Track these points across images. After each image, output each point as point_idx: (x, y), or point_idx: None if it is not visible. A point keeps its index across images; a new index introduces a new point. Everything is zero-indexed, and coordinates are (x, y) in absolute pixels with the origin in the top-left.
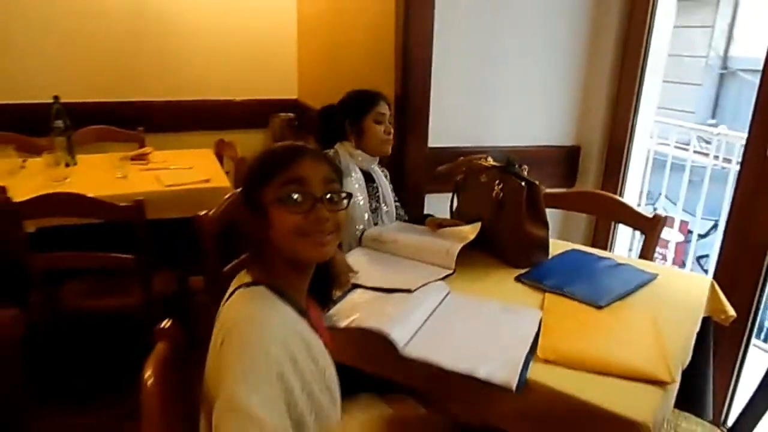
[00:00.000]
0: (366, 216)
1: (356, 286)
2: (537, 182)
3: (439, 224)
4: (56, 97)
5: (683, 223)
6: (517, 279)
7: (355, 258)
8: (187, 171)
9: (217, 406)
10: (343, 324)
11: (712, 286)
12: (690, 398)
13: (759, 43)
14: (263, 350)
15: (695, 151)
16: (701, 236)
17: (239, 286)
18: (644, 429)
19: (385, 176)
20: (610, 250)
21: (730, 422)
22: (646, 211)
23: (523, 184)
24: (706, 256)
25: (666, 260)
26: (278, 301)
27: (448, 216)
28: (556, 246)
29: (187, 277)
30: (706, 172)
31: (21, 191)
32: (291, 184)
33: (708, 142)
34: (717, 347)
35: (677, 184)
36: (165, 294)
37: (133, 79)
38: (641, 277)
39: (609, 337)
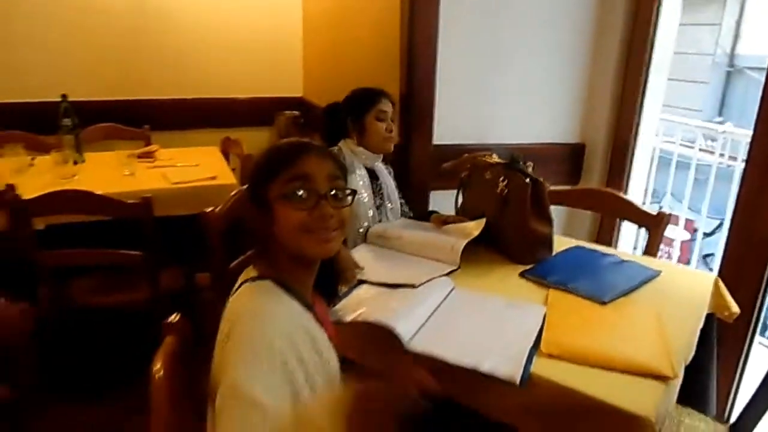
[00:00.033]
0: (370, 213)
1: (362, 281)
2: (541, 179)
3: (444, 221)
4: (64, 96)
5: (688, 221)
6: (522, 275)
7: (361, 254)
8: (194, 168)
9: (220, 393)
10: (348, 318)
11: (716, 282)
12: (693, 394)
13: (766, 41)
14: (268, 341)
15: (701, 149)
16: (707, 234)
17: (245, 281)
18: (646, 423)
19: (389, 173)
20: (614, 248)
21: (733, 419)
22: (651, 209)
23: (527, 180)
24: (712, 254)
25: (671, 258)
26: (284, 294)
27: (452, 213)
28: (561, 243)
29: (193, 273)
30: (711, 170)
31: (30, 189)
32: (296, 181)
33: (714, 140)
34: (721, 344)
35: (683, 183)
36: (172, 290)
37: (140, 78)
38: (645, 273)
39: (612, 332)
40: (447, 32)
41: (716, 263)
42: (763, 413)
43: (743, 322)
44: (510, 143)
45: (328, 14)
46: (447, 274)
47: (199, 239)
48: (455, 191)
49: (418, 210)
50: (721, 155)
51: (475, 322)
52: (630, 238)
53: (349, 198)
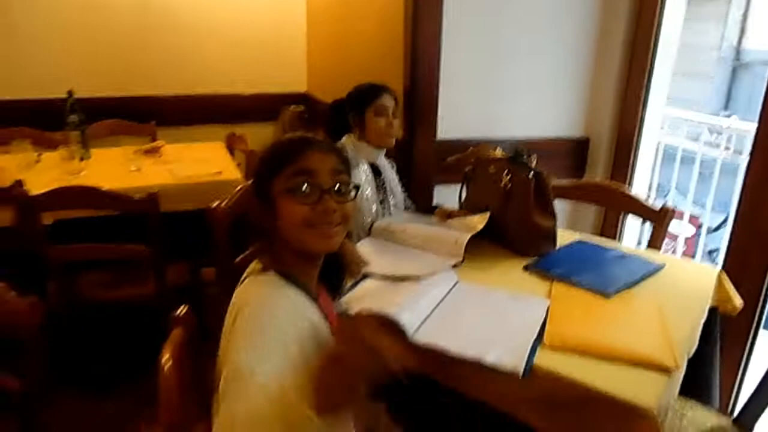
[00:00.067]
0: (374, 208)
1: (366, 275)
2: (545, 173)
3: (448, 215)
4: (70, 92)
5: (693, 216)
6: (525, 268)
7: (365, 248)
8: (199, 164)
9: (224, 376)
10: (353, 310)
11: (720, 276)
12: (697, 387)
13: None
14: (272, 327)
15: (706, 143)
16: (712, 230)
17: (250, 274)
18: (648, 414)
19: (392, 168)
20: (618, 242)
21: (736, 412)
22: (655, 203)
23: (531, 174)
24: (717, 249)
25: (676, 254)
26: (288, 286)
27: (456, 207)
28: (564, 236)
29: (199, 268)
30: (716, 164)
31: (37, 184)
32: (299, 176)
33: (719, 134)
34: (725, 337)
35: (688, 177)
36: (178, 285)
37: (145, 74)
38: (648, 266)
39: (615, 324)
40: (451, 27)
41: (721, 258)
42: (766, 406)
43: (747, 315)
44: (514, 137)
45: (332, 9)
46: (451, 268)
47: (205, 234)
48: (459, 185)
49: (422, 204)
50: (726, 149)
51: (478, 314)
52: (634, 232)
53: (353, 193)
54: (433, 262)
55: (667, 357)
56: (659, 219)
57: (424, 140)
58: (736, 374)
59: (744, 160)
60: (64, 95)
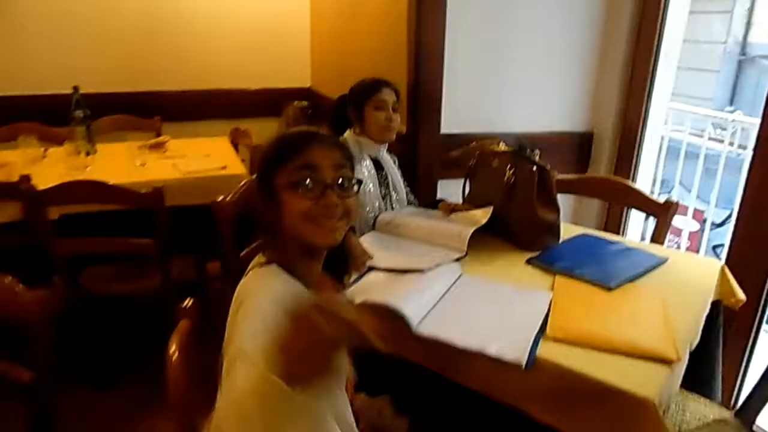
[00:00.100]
0: (376, 203)
1: (371, 268)
2: (548, 167)
3: (451, 209)
4: (76, 88)
5: (698, 211)
6: (528, 262)
7: (369, 242)
8: (204, 159)
9: (227, 358)
10: (357, 301)
11: (722, 270)
12: (699, 380)
13: None
14: (274, 312)
15: (710, 138)
16: (717, 225)
17: (254, 267)
18: (650, 405)
19: (394, 162)
20: (622, 236)
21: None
22: (658, 198)
23: (534, 168)
24: (722, 245)
25: (680, 249)
26: (290, 279)
27: (460, 201)
28: (568, 230)
29: (204, 262)
30: (721, 159)
31: (43, 179)
32: (302, 170)
33: (723, 129)
34: (728, 332)
35: (693, 173)
36: (183, 279)
37: (150, 70)
38: (651, 260)
39: (617, 317)
40: (455, 21)
41: (725, 254)
42: None
43: (750, 310)
44: (518, 132)
45: (336, 4)
46: (454, 261)
47: (210, 228)
48: (462, 180)
49: (425, 198)
50: (731, 144)
51: (482, 307)
52: (638, 227)
53: (355, 187)
54: (436, 256)
55: (668, 349)
56: (663, 213)
57: (428, 135)
58: (739, 369)
59: (748, 156)
60: (69, 91)
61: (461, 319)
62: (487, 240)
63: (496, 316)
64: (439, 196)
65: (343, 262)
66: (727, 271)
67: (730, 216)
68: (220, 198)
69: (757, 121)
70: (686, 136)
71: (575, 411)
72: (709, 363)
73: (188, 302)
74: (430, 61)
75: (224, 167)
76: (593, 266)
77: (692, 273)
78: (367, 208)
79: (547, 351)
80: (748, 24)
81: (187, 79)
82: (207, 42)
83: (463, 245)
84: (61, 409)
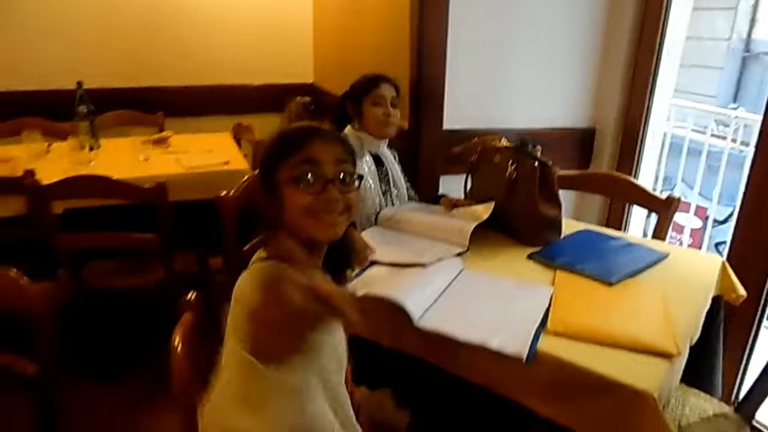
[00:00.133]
0: (377, 200)
1: (373, 262)
2: (550, 162)
3: (453, 204)
4: (79, 83)
5: (700, 208)
6: (530, 257)
7: (371, 236)
8: (207, 154)
9: (228, 348)
10: (360, 294)
11: (723, 265)
12: (700, 376)
13: None
14: None
15: (713, 135)
16: (720, 222)
17: (255, 261)
18: (649, 398)
19: (395, 157)
20: (623, 233)
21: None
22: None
23: (536, 164)
24: (725, 242)
25: (682, 246)
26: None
27: (462, 196)
28: (570, 226)
29: (207, 257)
30: (723, 156)
31: (47, 174)
32: (304, 165)
33: (726, 126)
34: (729, 327)
35: (695, 170)
36: (186, 273)
37: (153, 66)
38: (652, 255)
39: (618, 311)
40: (457, 17)
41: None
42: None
43: (751, 306)
44: (520, 128)
45: (338, 0)
46: (456, 256)
47: (213, 223)
48: (465, 175)
49: (428, 194)
50: (733, 141)
51: (483, 301)
52: (640, 224)
53: (356, 183)
54: (438, 251)
55: (668, 343)
56: (664, 209)
57: (431, 130)
58: (739, 365)
59: (751, 152)
60: (73, 86)
61: (463, 313)
62: (489, 235)
63: (497, 311)
64: (441, 191)
65: (346, 257)
66: (727, 266)
67: (732, 213)
68: (223, 193)
69: (760, 117)
70: (689, 133)
71: (575, 404)
72: (710, 358)
73: (192, 295)
74: (433, 57)
75: (227, 162)
76: (594, 261)
77: (693, 268)
78: (368, 204)
79: (548, 345)
80: (753, 21)
81: (190, 75)
82: (210, 37)
83: (464, 240)
84: (65, 402)
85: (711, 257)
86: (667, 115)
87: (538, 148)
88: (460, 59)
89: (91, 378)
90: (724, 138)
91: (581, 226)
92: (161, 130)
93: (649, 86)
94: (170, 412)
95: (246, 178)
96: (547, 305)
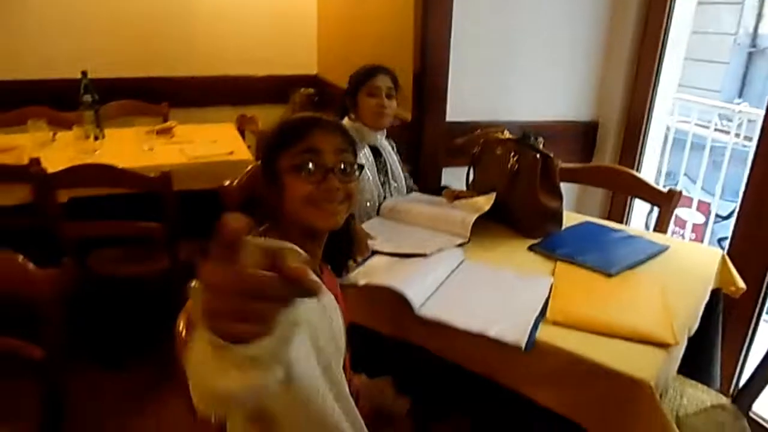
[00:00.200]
0: (375, 191)
1: (374, 252)
2: (551, 154)
3: (455, 195)
4: (84, 73)
5: (703, 203)
6: (530, 248)
7: (373, 227)
8: (211, 144)
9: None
10: (361, 282)
11: (723, 258)
12: (698, 367)
13: None
14: None
15: (717, 129)
16: (723, 218)
17: None
18: (646, 387)
19: (393, 148)
20: (625, 226)
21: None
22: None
23: (537, 156)
24: (727, 238)
25: (684, 240)
26: None
27: (464, 188)
28: (571, 219)
29: (210, 246)
30: (726, 151)
31: (53, 163)
32: (305, 154)
33: (730, 120)
34: (728, 320)
35: (699, 164)
36: (190, 261)
37: (158, 56)
38: (652, 247)
39: (617, 302)
40: (461, 9)
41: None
42: (764, 386)
43: (751, 300)
44: (523, 120)
45: None
46: (457, 247)
47: (217, 212)
48: (467, 167)
49: (430, 185)
50: (737, 136)
51: (483, 291)
52: (641, 217)
53: (357, 172)
54: (439, 241)
55: (666, 333)
56: (665, 202)
57: (433, 122)
58: (738, 357)
59: (754, 147)
60: (78, 76)
61: (463, 302)
62: (490, 226)
63: (497, 301)
64: (443, 183)
65: (347, 247)
66: (727, 259)
67: (735, 209)
68: (227, 183)
69: (763, 112)
70: (692, 127)
71: (573, 393)
72: (708, 350)
73: (195, 282)
74: (437, 49)
75: (231, 153)
76: (594, 253)
77: (693, 261)
78: (365, 196)
79: (547, 334)
80: (759, 15)
81: (195, 65)
82: (214, 28)
83: (466, 231)
84: (71, 388)
85: (711, 250)
86: (670, 110)
87: (540, 140)
88: (464, 51)
89: (96, 365)
90: (728, 133)
91: (582, 218)
92: (165, 121)
93: (653, 80)
94: (175, 399)
95: (250, 168)
96: (546, 295)
